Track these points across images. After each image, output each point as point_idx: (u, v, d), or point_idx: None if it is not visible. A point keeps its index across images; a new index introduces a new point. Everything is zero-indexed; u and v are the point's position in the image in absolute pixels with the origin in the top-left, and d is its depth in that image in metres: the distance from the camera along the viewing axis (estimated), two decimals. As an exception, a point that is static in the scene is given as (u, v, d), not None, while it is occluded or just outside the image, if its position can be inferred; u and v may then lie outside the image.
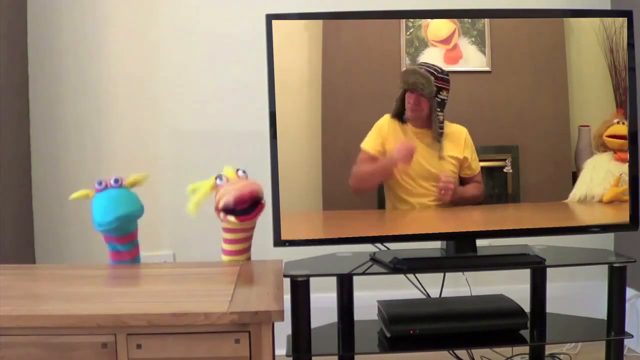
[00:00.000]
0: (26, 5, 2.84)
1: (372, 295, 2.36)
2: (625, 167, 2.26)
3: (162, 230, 2.90)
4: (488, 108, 2.24)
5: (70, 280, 2.03)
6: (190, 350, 1.71)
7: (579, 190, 2.26)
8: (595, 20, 2.24)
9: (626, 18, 2.24)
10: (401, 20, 2.19)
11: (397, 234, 2.21)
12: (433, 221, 2.23)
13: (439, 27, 2.21)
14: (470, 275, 2.67)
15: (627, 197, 2.26)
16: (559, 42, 2.25)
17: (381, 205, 2.22)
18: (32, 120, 2.88)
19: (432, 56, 2.20)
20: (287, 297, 1.91)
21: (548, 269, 2.35)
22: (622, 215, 2.26)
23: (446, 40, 2.21)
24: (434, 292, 2.39)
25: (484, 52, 2.23)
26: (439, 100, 2.18)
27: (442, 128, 2.20)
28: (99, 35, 2.87)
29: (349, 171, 2.19)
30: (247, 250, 2.19)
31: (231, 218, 2.10)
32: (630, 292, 2.54)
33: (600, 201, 2.26)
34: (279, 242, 2.16)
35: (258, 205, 2.11)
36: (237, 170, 2.15)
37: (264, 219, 2.20)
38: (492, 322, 2.20)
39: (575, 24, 2.25)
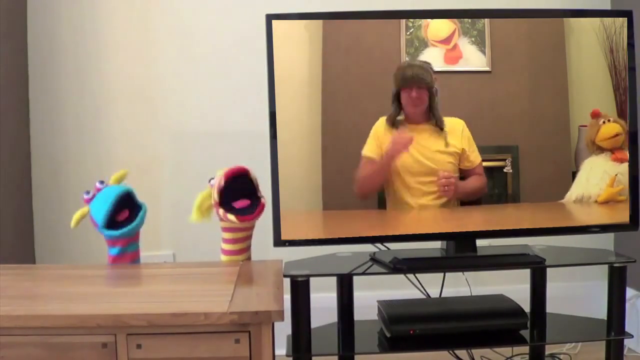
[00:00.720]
0: (26, 5, 2.84)
1: (372, 295, 2.36)
2: (621, 167, 2.26)
3: (162, 230, 2.90)
4: (488, 108, 2.24)
5: (70, 280, 2.04)
6: (190, 350, 1.71)
7: (575, 190, 2.26)
8: (595, 20, 2.24)
9: (626, 18, 2.24)
10: (401, 20, 2.20)
11: (397, 234, 2.21)
12: (433, 221, 2.23)
13: (439, 27, 2.21)
14: (470, 275, 2.67)
15: (622, 198, 2.26)
16: (559, 42, 2.25)
17: (381, 205, 2.22)
18: (32, 120, 2.88)
19: (432, 56, 2.20)
20: (287, 297, 1.91)
21: (548, 269, 2.35)
22: (621, 215, 2.26)
23: (446, 40, 2.21)
24: (434, 292, 2.39)
25: (484, 52, 2.23)
26: (436, 90, 2.19)
27: (441, 119, 2.20)
28: (99, 35, 2.87)
29: (349, 171, 2.19)
30: (247, 250, 2.19)
31: (231, 217, 2.10)
32: (630, 292, 2.54)
33: (596, 201, 2.26)
34: (279, 242, 2.16)
35: (258, 204, 2.11)
36: None
37: (264, 219, 2.20)
38: (492, 322, 2.20)
39: (575, 24, 2.25)
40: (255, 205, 2.12)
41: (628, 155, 2.26)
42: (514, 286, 2.47)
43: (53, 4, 2.85)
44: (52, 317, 1.69)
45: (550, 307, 2.39)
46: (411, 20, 2.20)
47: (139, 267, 2.18)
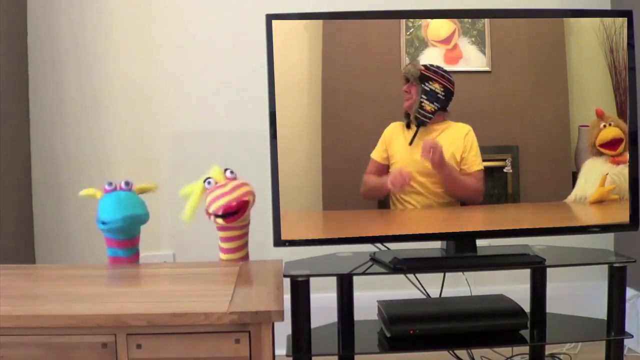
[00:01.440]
0: (26, 5, 2.84)
1: (372, 295, 2.36)
2: (618, 169, 2.26)
3: (162, 230, 2.90)
4: (488, 108, 2.24)
5: (70, 280, 2.04)
6: (190, 350, 1.71)
7: (575, 191, 2.26)
8: (595, 20, 2.24)
9: (626, 18, 2.24)
10: (401, 20, 2.19)
11: (397, 234, 2.21)
12: (433, 221, 2.23)
13: (439, 27, 2.21)
14: (470, 275, 2.67)
15: (615, 197, 2.25)
16: (559, 42, 2.25)
17: (381, 205, 2.22)
18: (32, 120, 2.88)
19: (432, 56, 2.20)
20: (287, 297, 1.91)
21: (548, 269, 2.35)
22: (622, 215, 2.26)
23: (446, 40, 2.21)
24: (434, 292, 2.39)
25: (484, 52, 2.23)
26: (426, 89, 2.18)
27: (424, 116, 2.19)
28: (99, 35, 2.87)
29: (349, 171, 2.19)
30: (245, 246, 2.19)
31: (219, 220, 2.13)
32: (630, 292, 2.54)
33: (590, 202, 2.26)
34: (279, 242, 2.16)
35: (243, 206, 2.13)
36: (225, 170, 2.16)
37: (264, 219, 2.20)
38: (492, 322, 2.20)
39: (575, 24, 2.25)
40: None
41: (627, 156, 2.26)
42: (514, 286, 2.47)
43: (53, 4, 2.85)
44: (52, 317, 1.69)
45: (550, 307, 2.39)
46: (411, 20, 2.20)
47: (139, 267, 2.18)
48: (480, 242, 2.25)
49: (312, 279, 2.10)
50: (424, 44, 2.20)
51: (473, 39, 2.22)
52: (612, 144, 2.25)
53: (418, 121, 2.19)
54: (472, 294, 2.52)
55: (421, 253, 2.23)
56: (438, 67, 2.19)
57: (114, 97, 2.89)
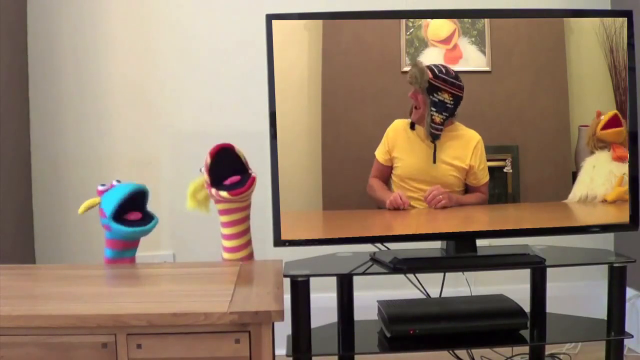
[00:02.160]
0: (26, 5, 2.84)
1: (372, 295, 2.36)
2: (626, 167, 2.26)
3: (162, 230, 2.89)
4: (488, 108, 2.24)
5: (70, 280, 2.04)
6: (190, 350, 1.71)
7: (580, 190, 2.26)
8: (595, 20, 2.24)
9: (626, 18, 2.24)
10: (401, 20, 2.20)
11: (397, 234, 2.21)
12: (433, 221, 2.23)
13: (439, 27, 2.21)
14: (470, 275, 2.67)
15: (626, 197, 2.26)
16: (559, 42, 2.25)
17: (381, 205, 2.22)
18: (32, 120, 2.88)
19: (432, 56, 2.20)
20: (287, 297, 1.91)
21: (548, 269, 2.35)
22: (622, 215, 2.26)
23: (446, 40, 2.21)
24: (434, 292, 2.39)
25: (484, 52, 2.23)
26: (435, 100, 2.17)
27: (437, 130, 2.19)
28: (99, 35, 2.87)
29: (349, 171, 2.19)
30: (247, 245, 2.19)
31: (223, 193, 2.10)
32: (630, 292, 2.54)
33: (604, 201, 2.26)
34: (279, 242, 2.16)
35: (249, 178, 2.11)
36: None
37: (264, 219, 2.20)
38: (492, 322, 2.20)
39: (575, 24, 2.25)
40: (245, 180, 2.12)
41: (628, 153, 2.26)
42: (514, 286, 2.47)
43: (53, 4, 2.85)
44: (52, 317, 1.69)
45: (550, 307, 2.39)
46: (411, 20, 2.20)
47: (139, 267, 2.18)
48: (480, 242, 2.25)
49: (312, 279, 2.10)
50: (424, 44, 2.20)
51: (473, 39, 2.22)
52: (614, 121, 2.24)
53: (433, 137, 2.19)
54: (472, 294, 2.52)
55: (421, 253, 2.23)
56: (447, 74, 2.17)
57: (114, 97, 2.89)
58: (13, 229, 2.72)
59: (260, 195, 2.18)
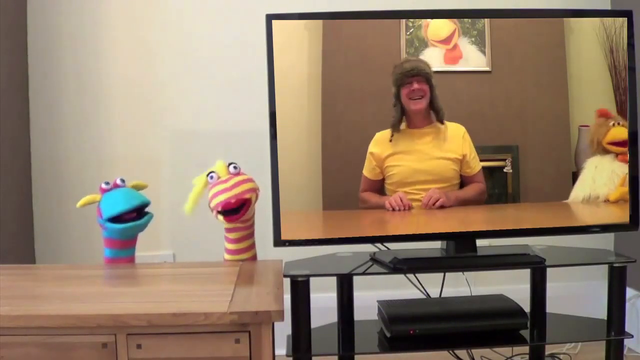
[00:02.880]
0: (26, 5, 2.84)
1: (372, 295, 2.36)
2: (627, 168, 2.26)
3: (162, 230, 2.90)
4: (488, 108, 2.24)
5: (70, 280, 2.04)
6: (190, 350, 1.71)
7: (582, 190, 2.26)
8: (595, 20, 2.24)
9: (626, 18, 2.24)
10: (401, 20, 2.20)
11: (397, 234, 2.21)
12: (433, 221, 2.23)
13: (439, 27, 2.21)
14: (470, 275, 2.67)
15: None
16: (559, 42, 2.25)
17: (381, 205, 2.22)
18: (32, 120, 2.88)
19: (432, 56, 2.20)
20: (287, 297, 1.91)
21: (548, 269, 2.35)
22: (622, 215, 2.26)
23: (446, 40, 2.21)
24: (434, 292, 2.39)
25: (484, 52, 2.23)
26: (435, 84, 2.18)
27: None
28: (99, 35, 2.87)
29: (349, 171, 2.19)
30: (251, 248, 2.19)
31: (220, 218, 2.12)
32: (630, 292, 2.54)
33: (607, 201, 2.26)
34: (279, 242, 2.16)
35: (245, 205, 2.12)
36: (229, 165, 2.15)
37: (264, 219, 2.20)
38: (492, 322, 2.20)
39: (575, 24, 2.25)
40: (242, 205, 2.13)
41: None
42: (514, 286, 2.47)
43: (53, 4, 2.85)
44: (52, 317, 1.69)
45: (550, 307, 2.39)
46: (411, 20, 2.20)
47: (139, 267, 2.18)
48: (480, 242, 2.25)
49: (312, 279, 2.10)
50: (424, 44, 2.20)
51: (473, 39, 2.22)
52: (623, 143, 2.24)
53: (442, 116, 2.19)
54: (472, 294, 2.52)
55: (421, 253, 2.23)
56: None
57: (114, 97, 2.89)
58: (13, 229, 2.72)
59: (261, 195, 2.18)
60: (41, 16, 2.85)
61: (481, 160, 2.24)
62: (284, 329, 2.04)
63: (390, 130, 2.18)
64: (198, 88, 2.91)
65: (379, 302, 2.30)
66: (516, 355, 2.66)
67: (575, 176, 2.27)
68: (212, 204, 2.12)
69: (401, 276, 2.29)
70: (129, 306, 1.75)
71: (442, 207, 2.21)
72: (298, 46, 2.17)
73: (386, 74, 2.19)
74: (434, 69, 2.19)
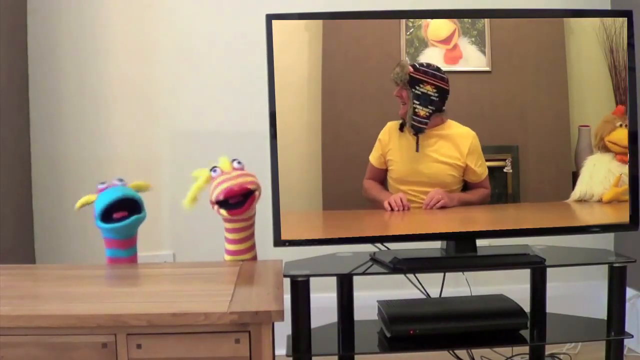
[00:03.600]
0: (26, 5, 2.84)
1: (372, 295, 2.36)
2: (626, 168, 2.26)
3: (162, 230, 2.90)
4: (488, 108, 2.24)
5: (70, 280, 2.03)
6: (190, 350, 1.71)
7: (579, 188, 2.26)
8: (595, 20, 2.24)
9: (626, 18, 2.24)
10: (401, 20, 2.20)
11: (397, 234, 2.21)
12: (433, 221, 2.23)
13: (439, 27, 2.21)
14: (470, 275, 2.67)
15: (626, 197, 2.26)
16: (559, 42, 2.25)
17: (381, 205, 2.22)
18: (32, 120, 2.88)
19: (432, 56, 2.20)
20: (287, 297, 1.91)
21: (548, 269, 2.35)
22: (622, 215, 2.26)
23: (446, 40, 2.21)
24: (434, 292, 2.39)
25: (484, 52, 2.23)
26: (417, 93, 2.17)
27: (420, 123, 2.19)
28: (99, 35, 2.87)
29: (349, 171, 2.19)
30: (251, 249, 2.19)
31: (223, 212, 2.10)
32: (630, 292, 2.54)
33: (600, 200, 2.26)
34: (279, 242, 2.16)
35: (249, 198, 2.10)
36: (233, 161, 2.15)
37: (264, 219, 2.20)
38: (492, 322, 2.20)
39: (575, 24, 2.25)
40: (247, 199, 2.12)
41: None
42: (514, 286, 2.47)
43: (53, 5, 2.85)
44: (52, 317, 1.69)
45: (550, 307, 2.39)
46: (411, 20, 2.20)
47: (139, 267, 2.18)
48: (480, 242, 2.25)
49: (312, 279, 2.10)
50: (424, 44, 2.20)
51: (473, 39, 2.22)
52: (623, 146, 2.25)
53: (415, 129, 2.18)
54: (472, 294, 2.52)
55: (421, 253, 2.23)
56: (428, 66, 2.18)
57: (114, 97, 2.89)
58: (13, 229, 2.72)
59: (261, 196, 2.18)
60: (41, 16, 2.85)
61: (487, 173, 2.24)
62: (284, 329, 2.03)
63: (402, 120, 2.18)
64: (198, 88, 2.91)
65: (379, 302, 2.30)
66: (516, 355, 2.66)
67: (575, 176, 2.27)
68: (214, 195, 2.09)
69: (401, 276, 2.29)
70: (129, 306, 1.75)
71: (443, 207, 2.21)
72: (298, 46, 2.17)
73: (386, 74, 2.19)
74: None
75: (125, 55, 2.89)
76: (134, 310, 1.71)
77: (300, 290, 2.09)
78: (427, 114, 2.18)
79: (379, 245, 2.27)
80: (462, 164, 2.21)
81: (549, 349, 2.62)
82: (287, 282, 2.05)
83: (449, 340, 2.20)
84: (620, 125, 2.24)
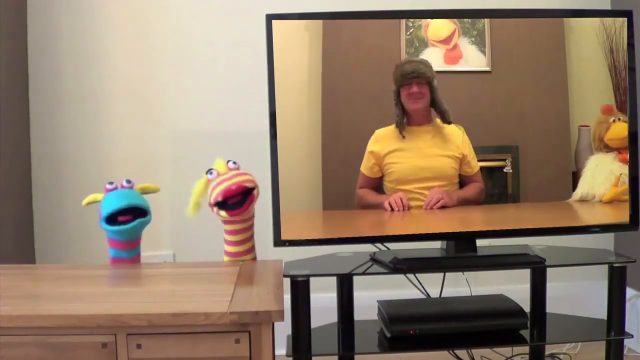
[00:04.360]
0: (26, 5, 2.84)
1: (372, 295, 2.36)
2: (626, 168, 2.26)
3: (162, 230, 2.90)
4: (488, 108, 2.24)
5: (70, 280, 2.04)
6: (190, 350, 1.71)
7: (582, 187, 2.26)
8: (595, 20, 2.24)
9: (626, 18, 2.24)
10: (401, 20, 2.20)
11: (397, 234, 2.21)
12: (433, 221, 2.23)
13: (439, 27, 2.21)
14: (470, 275, 2.67)
15: (626, 197, 2.26)
16: (559, 42, 2.25)
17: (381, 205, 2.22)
18: (32, 120, 2.88)
19: (432, 56, 2.20)
20: (287, 297, 1.91)
21: (548, 269, 2.35)
22: (622, 215, 2.26)
23: (446, 40, 2.21)
24: (434, 292, 2.39)
25: (484, 52, 2.23)
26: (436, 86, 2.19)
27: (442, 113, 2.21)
28: (99, 35, 2.87)
29: (349, 171, 2.19)
30: (251, 250, 2.19)
31: (222, 213, 2.10)
32: (630, 292, 2.54)
33: (601, 201, 2.26)
34: (279, 242, 2.16)
35: (248, 197, 2.11)
36: (228, 162, 2.15)
37: (264, 219, 2.20)
38: (492, 322, 2.20)
39: (575, 24, 2.25)
40: (244, 199, 2.12)
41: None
42: (514, 286, 2.47)
43: (53, 4, 2.85)
44: (52, 317, 1.69)
45: (550, 307, 2.39)
46: (411, 20, 2.20)
47: (139, 267, 2.18)
48: (480, 242, 2.25)
49: (312, 279, 2.10)
50: (424, 44, 2.20)
51: (473, 39, 2.22)
52: (623, 140, 2.24)
53: (448, 117, 2.19)
54: (472, 294, 2.52)
55: (421, 253, 2.23)
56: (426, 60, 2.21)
57: (114, 97, 2.89)
58: (13, 229, 2.72)
59: (261, 195, 2.18)
60: (41, 16, 2.85)
61: (481, 160, 2.24)
62: (284, 329, 2.03)
63: (396, 127, 2.18)
64: (198, 88, 2.91)
65: (379, 302, 2.30)
66: (516, 355, 2.66)
67: (575, 176, 2.27)
68: (212, 197, 2.10)
69: (401, 276, 2.29)
70: (129, 306, 1.75)
71: (443, 207, 2.21)
72: (298, 46, 2.17)
73: (386, 74, 2.19)
74: (434, 69, 2.19)
75: (125, 55, 2.89)
76: (134, 310, 1.71)
77: (300, 290, 2.09)
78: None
79: (379, 245, 2.27)
80: (460, 156, 2.22)
81: (549, 349, 2.62)
82: (287, 282, 2.05)
83: (449, 340, 2.20)
84: (614, 121, 2.24)
